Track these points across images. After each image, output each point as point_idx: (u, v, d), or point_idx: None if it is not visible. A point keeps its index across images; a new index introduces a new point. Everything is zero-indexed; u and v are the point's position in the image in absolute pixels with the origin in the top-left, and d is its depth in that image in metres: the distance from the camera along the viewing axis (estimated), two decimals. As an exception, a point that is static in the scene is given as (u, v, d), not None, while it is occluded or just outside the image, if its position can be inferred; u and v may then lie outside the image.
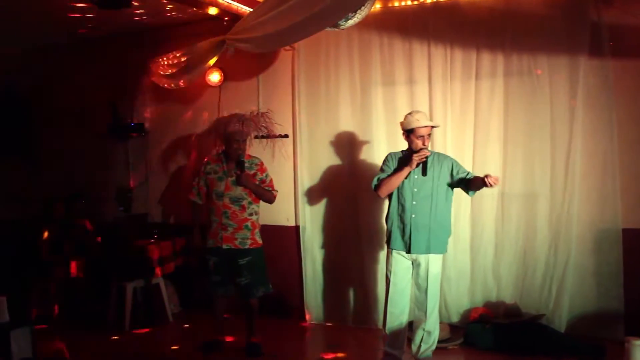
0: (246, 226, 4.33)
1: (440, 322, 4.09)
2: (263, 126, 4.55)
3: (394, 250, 3.93)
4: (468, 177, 3.82)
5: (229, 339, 4.62)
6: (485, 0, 4.59)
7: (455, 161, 3.94)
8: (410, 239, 3.83)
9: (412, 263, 3.93)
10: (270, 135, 4.78)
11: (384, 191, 3.90)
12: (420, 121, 3.78)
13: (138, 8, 4.87)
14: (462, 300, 4.78)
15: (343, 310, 5.11)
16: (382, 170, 3.98)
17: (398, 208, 3.91)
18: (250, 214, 4.36)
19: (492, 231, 4.67)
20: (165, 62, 5.03)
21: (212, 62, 4.82)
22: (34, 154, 6.46)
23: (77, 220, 5.65)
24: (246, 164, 4.31)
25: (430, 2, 4.75)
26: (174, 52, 4.97)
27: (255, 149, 4.79)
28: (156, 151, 5.96)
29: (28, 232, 5.59)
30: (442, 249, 3.91)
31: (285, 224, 5.38)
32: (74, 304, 5.43)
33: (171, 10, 5.02)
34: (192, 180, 4.66)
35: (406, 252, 3.88)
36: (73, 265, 5.35)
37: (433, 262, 3.87)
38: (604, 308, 4.35)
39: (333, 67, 5.07)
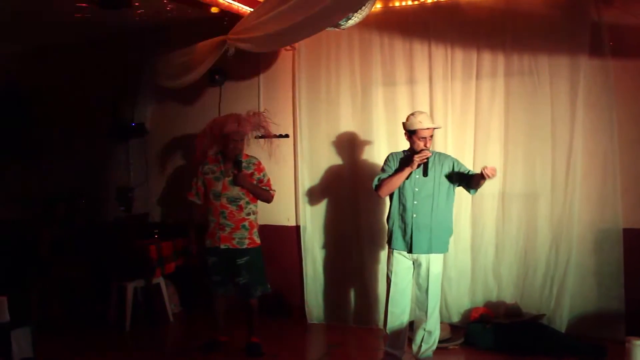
0: (244, 226, 4.33)
1: (441, 322, 4.09)
2: (260, 125, 4.54)
3: (394, 250, 3.93)
4: (469, 173, 3.82)
5: (228, 338, 4.61)
6: (485, 0, 4.59)
7: (457, 160, 3.94)
8: (411, 238, 3.83)
9: (413, 263, 3.93)
10: (272, 135, 4.77)
11: (384, 191, 3.90)
12: (423, 123, 3.78)
13: (138, 8, 4.86)
14: (462, 300, 4.78)
15: (344, 310, 5.11)
16: (383, 170, 3.98)
17: (399, 208, 3.91)
18: (248, 214, 4.36)
19: (492, 231, 4.68)
20: (166, 62, 5.03)
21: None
22: (34, 154, 6.45)
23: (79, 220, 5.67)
24: (243, 164, 4.31)
25: (431, 2, 4.75)
26: (175, 52, 4.97)
27: (254, 149, 4.78)
28: (157, 151, 5.97)
29: (28, 232, 5.58)
30: (443, 249, 3.91)
31: (286, 224, 5.38)
32: (75, 304, 5.43)
33: (171, 10, 5.02)
34: (192, 180, 4.66)
35: (407, 252, 3.88)
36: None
37: (434, 262, 3.87)
38: (604, 308, 4.36)
39: (334, 67, 5.07)
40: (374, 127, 4.95)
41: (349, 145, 5.08)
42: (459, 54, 4.68)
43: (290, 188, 5.32)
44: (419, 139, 3.80)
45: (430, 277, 3.86)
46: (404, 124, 3.90)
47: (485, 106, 4.65)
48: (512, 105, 4.59)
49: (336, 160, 5.14)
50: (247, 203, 4.35)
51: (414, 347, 4.01)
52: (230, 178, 4.30)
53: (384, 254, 4.75)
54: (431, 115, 4.64)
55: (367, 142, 5.00)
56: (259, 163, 4.45)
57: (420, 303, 3.93)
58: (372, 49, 4.93)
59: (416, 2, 4.80)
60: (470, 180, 3.79)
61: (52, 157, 6.38)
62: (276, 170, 5.11)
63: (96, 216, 6.05)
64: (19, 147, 6.38)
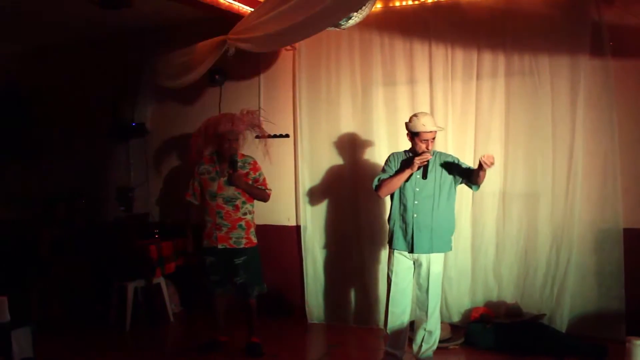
0: (240, 225, 4.33)
1: (441, 322, 4.08)
2: (254, 124, 4.53)
3: (395, 250, 3.93)
4: (470, 169, 3.82)
5: (228, 338, 4.61)
6: (486, 0, 4.59)
7: (457, 159, 3.93)
8: (412, 238, 3.83)
9: (414, 263, 3.92)
10: (266, 134, 4.75)
11: (384, 192, 3.90)
12: (426, 126, 3.77)
13: (138, 8, 4.86)
14: (463, 300, 4.78)
15: (344, 310, 5.11)
16: (383, 170, 3.98)
17: (400, 208, 3.91)
18: (244, 214, 4.36)
19: (493, 231, 4.68)
20: (166, 62, 5.02)
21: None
22: (34, 154, 6.45)
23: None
24: (239, 163, 4.30)
25: (431, 2, 4.75)
26: (175, 52, 4.96)
27: (253, 149, 4.77)
28: (157, 151, 5.96)
29: (28, 232, 5.58)
30: (445, 248, 3.91)
31: (286, 224, 5.38)
32: (75, 304, 5.43)
33: (172, 10, 5.01)
34: (189, 181, 4.65)
35: (409, 252, 3.88)
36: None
37: (434, 262, 3.86)
38: (605, 308, 4.35)
39: (334, 67, 5.07)
40: (374, 127, 4.95)
41: (350, 145, 5.08)
42: (459, 54, 4.68)
43: (290, 188, 5.32)
44: (421, 141, 3.80)
45: (430, 277, 3.86)
46: (406, 124, 3.88)
47: (485, 106, 4.65)
48: (512, 105, 4.59)
49: (336, 160, 5.14)
50: (244, 203, 4.35)
51: (415, 347, 4.01)
52: (226, 178, 4.30)
53: (384, 254, 4.74)
54: (432, 115, 4.65)
55: (367, 142, 5.00)
56: (255, 162, 4.44)
57: (421, 303, 3.93)
58: (372, 48, 4.93)
59: (416, 2, 4.79)
60: (471, 175, 3.79)
61: (52, 157, 6.38)
62: (276, 170, 5.11)
63: (96, 216, 6.05)
64: (19, 147, 6.39)
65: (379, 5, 4.77)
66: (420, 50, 4.79)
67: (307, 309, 5.21)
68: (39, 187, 6.24)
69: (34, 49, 6.21)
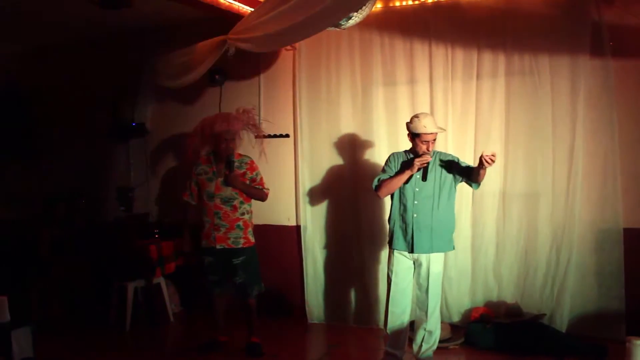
0: (238, 225, 4.32)
1: (442, 322, 4.08)
2: (250, 123, 4.52)
3: (395, 250, 3.93)
4: (470, 167, 3.81)
5: (228, 338, 4.61)
6: (486, 0, 4.59)
7: (457, 158, 3.93)
8: (412, 238, 3.83)
9: (414, 263, 3.92)
10: (262, 133, 4.74)
11: (383, 192, 3.90)
12: (427, 128, 3.75)
13: (138, 8, 4.86)
14: (463, 300, 4.78)
15: (344, 310, 5.11)
16: (383, 170, 3.98)
17: (400, 208, 3.91)
18: (242, 214, 4.35)
19: (493, 231, 4.68)
20: (166, 62, 5.02)
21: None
22: (34, 154, 6.45)
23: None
24: (236, 163, 4.29)
25: (431, 2, 4.75)
26: (175, 52, 4.96)
27: (249, 148, 4.76)
28: (157, 151, 5.97)
29: (28, 232, 5.58)
30: (446, 247, 3.91)
31: (287, 224, 5.38)
32: (75, 304, 5.43)
33: (172, 10, 5.01)
34: (186, 181, 4.64)
35: (409, 252, 3.87)
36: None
37: (434, 262, 3.86)
38: (605, 308, 4.36)
39: (334, 67, 5.07)
40: (375, 127, 4.95)
41: (350, 145, 5.08)
42: (459, 54, 4.68)
43: (290, 188, 5.32)
44: (421, 142, 3.79)
45: (430, 277, 3.86)
46: (407, 125, 3.87)
47: (485, 106, 4.65)
48: (512, 105, 4.59)
49: (337, 160, 5.14)
50: (241, 203, 4.34)
51: (415, 347, 4.01)
52: (223, 179, 4.30)
53: (384, 254, 4.74)
54: (432, 116, 4.65)
55: (367, 142, 5.00)
56: (252, 162, 4.43)
57: (421, 303, 3.93)
58: (372, 48, 4.93)
59: (416, 2, 4.79)
60: (471, 173, 3.79)
61: (52, 157, 6.38)
62: (276, 170, 5.11)
63: (96, 216, 6.04)
64: (19, 147, 6.39)
65: (379, 5, 4.77)
66: (420, 50, 4.79)
67: (307, 308, 5.21)
68: (39, 187, 6.24)
69: (34, 49, 6.21)
